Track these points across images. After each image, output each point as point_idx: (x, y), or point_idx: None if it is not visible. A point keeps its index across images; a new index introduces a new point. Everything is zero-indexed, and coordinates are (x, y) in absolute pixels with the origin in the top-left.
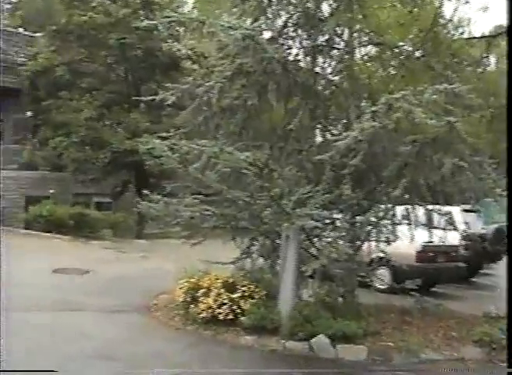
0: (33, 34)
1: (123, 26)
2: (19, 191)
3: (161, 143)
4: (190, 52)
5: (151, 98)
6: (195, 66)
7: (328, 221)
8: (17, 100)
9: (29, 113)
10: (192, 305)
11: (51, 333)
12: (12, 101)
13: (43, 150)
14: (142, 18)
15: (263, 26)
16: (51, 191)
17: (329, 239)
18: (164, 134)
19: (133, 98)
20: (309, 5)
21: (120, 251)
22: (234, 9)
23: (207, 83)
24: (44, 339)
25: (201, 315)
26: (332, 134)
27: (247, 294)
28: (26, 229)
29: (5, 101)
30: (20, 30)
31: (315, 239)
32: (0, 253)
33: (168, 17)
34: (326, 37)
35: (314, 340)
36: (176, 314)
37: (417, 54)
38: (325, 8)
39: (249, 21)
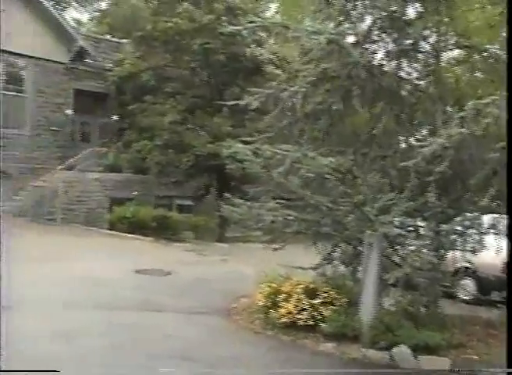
0: (120, 41)
1: (207, 31)
2: (104, 192)
3: (244, 147)
4: (272, 57)
5: (235, 102)
6: (278, 71)
7: (411, 229)
8: (104, 104)
9: (115, 117)
10: (272, 310)
11: (133, 332)
12: (99, 105)
13: (127, 153)
14: (225, 23)
15: (347, 30)
16: (135, 193)
17: (413, 247)
18: (247, 139)
19: (217, 102)
20: (394, 8)
21: (201, 253)
22: (317, 14)
23: (291, 88)
24: (126, 338)
25: (281, 320)
26: (418, 140)
27: (327, 300)
28: (109, 229)
29: (92, 105)
30: (107, 36)
31: (398, 247)
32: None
33: (253, 22)
34: (412, 40)
35: (395, 350)
36: (256, 318)
37: None
38: (411, 11)
39: (331, 25)
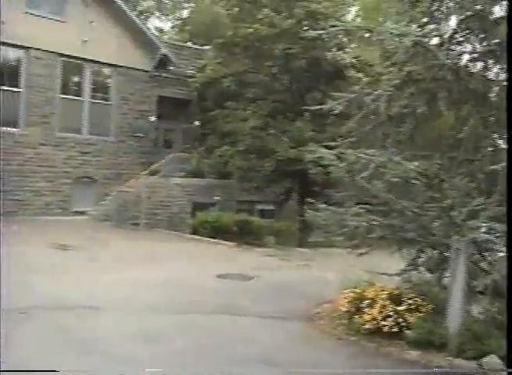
0: (201, 48)
1: (288, 36)
2: (187, 197)
3: (328, 152)
4: (354, 61)
5: (318, 107)
6: (359, 75)
7: (501, 234)
8: (186, 110)
9: (197, 123)
10: (356, 316)
11: (215, 335)
12: (181, 111)
13: (209, 158)
14: (306, 28)
15: (432, 31)
16: (217, 198)
17: (502, 253)
18: (331, 143)
19: (298, 107)
20: (479, 7)
21: (283, 258)
22: (400, 16)
23: (375, 92)
24: (208, 341)
25: (365, 326)
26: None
27: (413, 307)
28: (192, 234)
29: (175, 112)
30: (189, 44)
31: (487, 253)
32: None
33: (335, 26)
34: (499, 40)
35: (485, 360)
36: (339, 324)
37: None
38: (498, 10)
39: (414, 27)
